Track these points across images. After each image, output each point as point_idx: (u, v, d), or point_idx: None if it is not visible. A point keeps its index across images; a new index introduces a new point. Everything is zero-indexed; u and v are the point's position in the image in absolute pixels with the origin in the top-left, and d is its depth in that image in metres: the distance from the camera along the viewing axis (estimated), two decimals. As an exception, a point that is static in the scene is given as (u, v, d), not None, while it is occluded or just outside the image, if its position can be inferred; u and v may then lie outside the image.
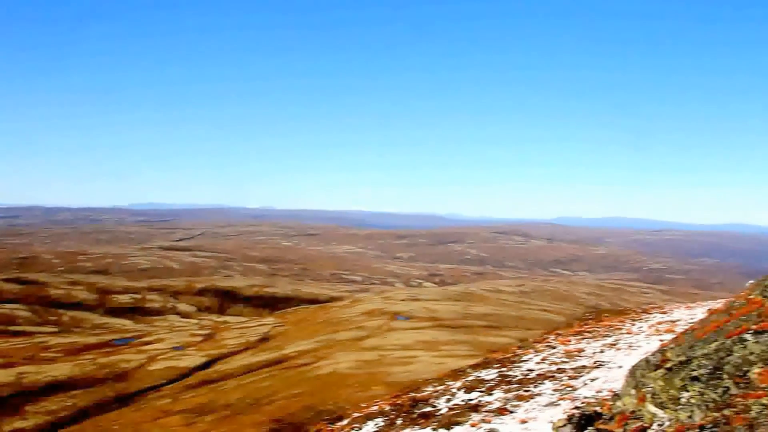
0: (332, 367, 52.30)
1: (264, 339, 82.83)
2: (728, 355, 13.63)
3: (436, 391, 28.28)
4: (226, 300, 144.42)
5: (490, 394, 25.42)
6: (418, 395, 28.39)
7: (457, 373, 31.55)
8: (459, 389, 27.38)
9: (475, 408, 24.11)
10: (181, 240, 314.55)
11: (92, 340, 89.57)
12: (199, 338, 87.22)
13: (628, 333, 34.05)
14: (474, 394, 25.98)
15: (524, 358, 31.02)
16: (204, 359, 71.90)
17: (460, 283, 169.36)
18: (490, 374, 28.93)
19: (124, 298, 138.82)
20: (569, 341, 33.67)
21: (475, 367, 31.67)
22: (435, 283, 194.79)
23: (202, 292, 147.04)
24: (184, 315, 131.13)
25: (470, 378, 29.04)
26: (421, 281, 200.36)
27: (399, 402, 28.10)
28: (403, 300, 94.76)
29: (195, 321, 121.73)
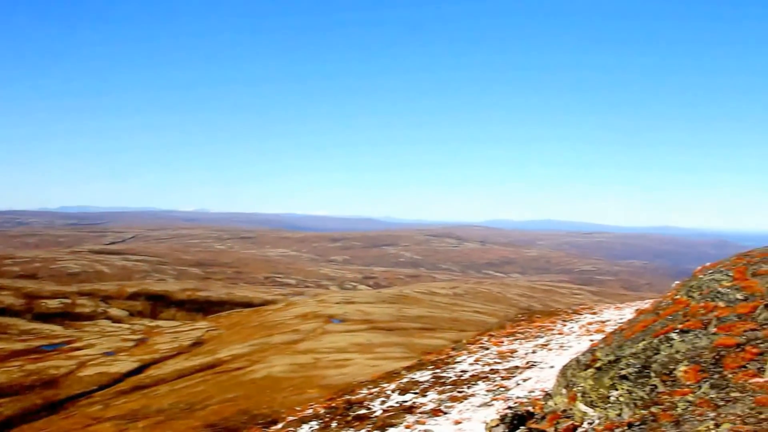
0: (267, 370, 51.97)
1: (197, 343, 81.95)
2: (655, 354, 13.97)
3: (371, 394, 28.31)
4: (159, 304, 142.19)
5: (425, 396, 25.56)
6: (353, 398, 28.39)
7: (391, 375, 31.64)
8: (393, 391, 27.46)
9: (410, 409, 24.20)
10: (112, 243, 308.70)
11: (19, 346, 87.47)
12: (131, 343, 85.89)
13: (560, 333, 34.55)
14: (408, 396, 26.08)
15: (458, 359, 31.24)
16: (136, 364, 70.77)
17: (395, 285, 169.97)
18: (424, 376, 29.08)
19: (53, 303, 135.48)
20: (502, 342, 34.03)
21: (410, 369, 31.78)
22: (369, 285, 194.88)
23: (134, 297, 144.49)
24: (116, 320, 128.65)
25: (405, 380, 29.15)
26: (355, 284, 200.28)
27: (334, 405, 28.06)
28: (337, 303, 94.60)
29: (127, 326, 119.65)
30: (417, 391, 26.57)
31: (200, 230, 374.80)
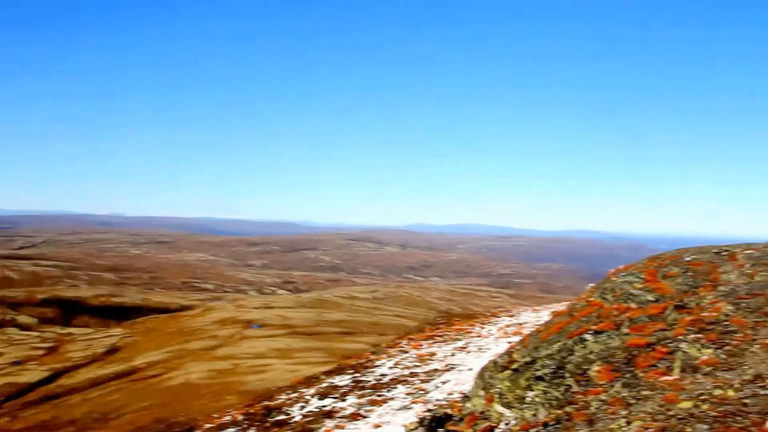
0: (184, 377, 51.06)
1: (112, 351, 79.87)
2: (570, 355, 14.28)
3: (290, 399, 28.16)
4: (71, 311, 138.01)
5: (344, 400, 25.54)
6: (272, 403, 28.17)
7: (311, 380, 31.53)
8: (313, 396, 27.36)
9: (329, 414, 24.16)
10: (21, 248, 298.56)
11: None
12: (42, 351, 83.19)
13: (478, 336, 34.95)
14: (328, 401, 26.02)
15: (378, 363, 31.32)
16: (47, 373, 68.55)
17: (314, 290, 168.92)
18: (343, 380, 29.06)
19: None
20: (421, 345, 34.24)
21: (329, 373, 31.74)
22: (289, 290, 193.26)
23: (44, 303, 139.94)
24: (25, 327, 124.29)
25: (324, 385, 29.07)
26: (274, 289, 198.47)
27: (252, 411, 27.80)
28: (256, 308, 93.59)
29: (36, 333, 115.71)
30: (337, 395, 26.54)
31: (115, 234, 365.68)
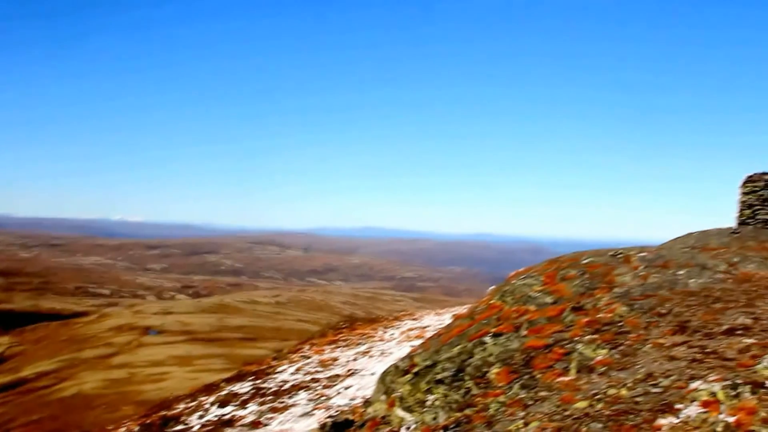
0: (77, 388, 49.63)
1: (-2, 361, 77.05)
2: (470, 358, 14.45)
3: (189, 408, 27.65)
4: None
5: (245, 408, 25.22)
6: (170, 413, 27.60)
7: (210, 388, 31.01)
8: (212, 404, 26.93)
9: (229, 423, 23.83)
10: None
11: None
12: None
13: (381, 340, 35.03)
14: (228, 409, 25.65)
15: (279, 369, 31.06)
16: None
17: (215, 294, 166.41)
18: (244, 387, 28.69)
19: None
20: (324, 351, 34.11)
21: (230, 380, 31.28)
22: (189, 295, 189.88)
23: None
24: None
25: (224, 392, 28.63)
26: (174, 294, 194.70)
27: (149, 421, 27.19)
28: (155, 313, 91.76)
29: None
30: (237, 403, 26.19)
31: (3, 236, 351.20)
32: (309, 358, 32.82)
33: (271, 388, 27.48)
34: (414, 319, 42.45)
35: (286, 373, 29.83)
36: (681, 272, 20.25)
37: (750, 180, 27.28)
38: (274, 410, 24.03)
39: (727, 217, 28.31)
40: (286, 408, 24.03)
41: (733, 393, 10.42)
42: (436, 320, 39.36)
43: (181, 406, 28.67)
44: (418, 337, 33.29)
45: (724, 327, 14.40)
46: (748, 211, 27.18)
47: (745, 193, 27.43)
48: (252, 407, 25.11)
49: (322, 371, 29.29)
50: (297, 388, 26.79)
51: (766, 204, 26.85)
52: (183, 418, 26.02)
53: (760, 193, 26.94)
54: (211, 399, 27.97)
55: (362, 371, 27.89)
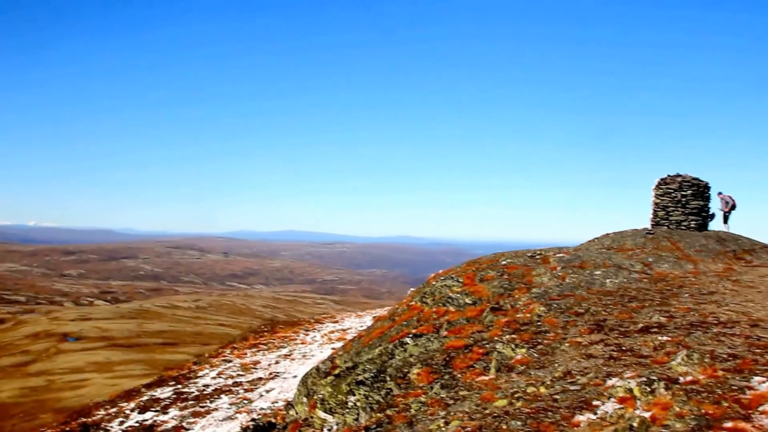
0: (-8, 397, 48.06)
1: None
2: (390, 359, 14.48)
3: (109, 414, 27.08)
4: None
5: (166, 413, 24.83)
6: (89, 420, 26.99)
7: (131, 394, 30.43)
8: (133, 410, 26.43)
9: (150, 428, 23.45)
10: None
11: None
12: None
13: (303, 343, 34.95)
14: (149, 414, 25.21)
15: (200, 373, 30.69)
16: None
17: (135, 300, 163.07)
18: (165, 392, 28.24)
19: None
20: (245, 354, 33.85)
21: (150, 386, 30.75)
22: (107, 301, 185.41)
23: None
24: None
25: (145, 398, 28.13)
26: (92, 299, 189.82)
27: (68, 429, 26.53)
28: (72, 320, 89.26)
29: None
30: (158, 408, 25.76)
31: None
32: (230, 361, 32.51)
33: (192, 393, 27.12)
34: (335, 322, 42.48)
35: (208, 378, 29.50)
36: (598, 272, 20.69)
37: (663, 182, 28.04)
38: (196, 415, 23.73)
39: (643, 218, 29.08)
40: (208, 412, 23.76)
41: (649, 389, 10.67)
42: (357, 322, 39.46)
43: (101, 412, 28.05)
44: (339, 339, 33.33)
45: (640, 325, 14.76)
46: (662, 213, 27.93)
47: (658, 195, 28.18)
48: (173, 412, 24.74)
49: (244, 375, 29.05)
50: (219, 392, 26.51)
51: (679, 205, 27.64)
52: (103, 425, 25.48)
53: (673, 195, 27.70)
54: (132, 405, 27.45)
55: (284, 374, 27.79)
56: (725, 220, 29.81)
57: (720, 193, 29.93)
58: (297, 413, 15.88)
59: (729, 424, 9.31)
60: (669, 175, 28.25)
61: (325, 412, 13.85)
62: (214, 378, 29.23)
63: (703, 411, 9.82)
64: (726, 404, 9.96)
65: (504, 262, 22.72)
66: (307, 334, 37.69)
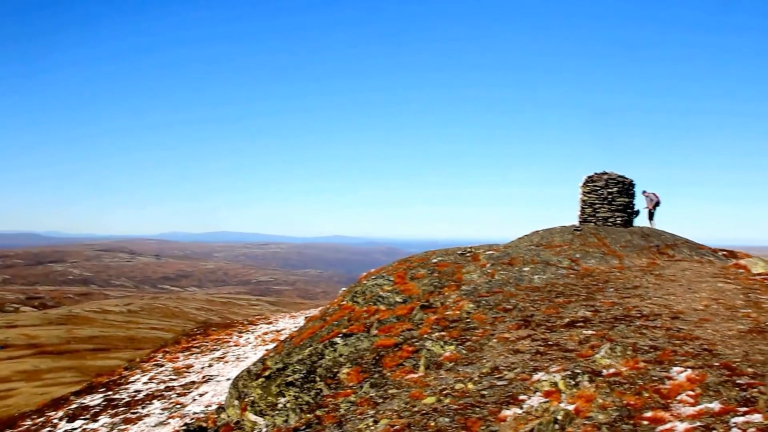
0: None
1: None
2: (320, 359, 14.50)
3: (36, 425, 26.48)
4: None
5: (96, 421, 24.38)
6: (15, 431, 26.38)
7: (59, 403, 29.79)
8: (61, 419, 25.89)
9: (79, 437, 23.05)
10: None
11: None
12: None
13: (236, 345, 34.70)
14: (78, 423, 24.73)
15: (132, 379, 30.22)
16: None
17: (63, 305, 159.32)
18: (95, 399, 27.73)
19: None
20: (178, 358, 33.46)
21: (79, 393, 30.15)
22: (34, 306, 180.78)
23: None
24: None
25: (73, 406, 27.56)
26: (18, 306, 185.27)
27: (-8, 441, 25.93)
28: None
29: None
30: (87, 416, 25.28)
31: None
32: (163, 366, 32.09)
33: (123, 399, 26.67)
34: (269, 323, 42.28)
35: (139, 383, 29.06)
36: (526, 269, 21.01)
37: (590, 180, 28.61)
38: (127, 422, 23.36)
39: (571, 215, 29.63)
40: (139, 418, 23.42)
41: (573, 382, 10.92)
42: (291, 323, 39.33)
43: (28, 422, 27.41)
44: (273, 340, 33.18)
45: (566, 320, 15.07)
46: (589, 209, 28.49)
47: (585, 193, 28.74)
48: (104, 420, 24.31)
49: (176, 379, 28.71)
50: (151, 397, 26.14)
51: (605, 202, 28.23)
52: (29, 436, 24.95)
53: (599, 192, 28.28)
54: (60, 414, 26.89)
55: (218, 377, 27.55)
56: (650, 216, 30.56)
57: (644, 191, 30.65)
58: (228, 416, 15.80)
59: (649, 414, 9.60)
60: (596, 173, 28.82)
61: (255, 414, 13.81)
62: (145, 383, 28.81)
63: (624, 402, 10.11)
64: (647, 395, 10.26)
65: (435, 260, 22.90)
66: (241, 336, 37.42)
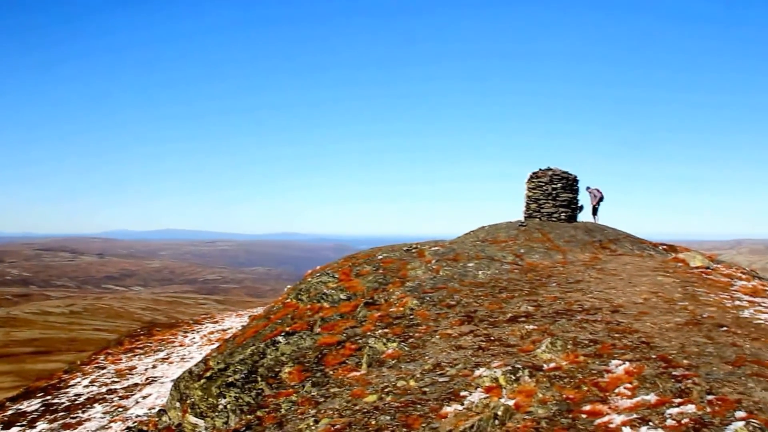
0: None
1: None
2: (262, 358, 14.35)
3: (-33, 434, 25.84)
4: None
5: (33, 427, 23.84)
6: (-55, 440, 25.69)
7: (-6, 409, 29.10)
8: (-3, 427, 25.29)
9: (16, 444, 22.55)
10: None
11: None
12: None
13: (181, 345, 34.31)
14: (14, 430, 24.14)
15: (72, 382, 29.64)
16: None
17: (1, 307, 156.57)
18: (32, 405, 27.10)
19: None
20: (120, 360, 32.94)
21: (16, 399, 29.42)
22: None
23: None
24: None
25: (9, 412, 26.88)
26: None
27: None
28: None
29: None
30: (24, 423, 24.68)
31: None
32: (105, 368, 31.54)
33: (63, 404, 26.13)
34: (215, 322, 41.89)
35: (80, 386, 28.51)
36: (471, 264, 21.09)
37: (535, 176, 28.87)
38: (66, 427, 22.91)
39: (517, 211, 29.87)
40: (80, 423, 22.98)
41: (514, 377, 10.95)
42: (237, 322, 39.01)
43: (-41, 432, 26.73)
44: (219, 339, 32.85)
45: (509, 315, 15.13)
46: (534, 205, 28.74)
47: (531, 188, 29.00)
48: (42, 425, 23.78)
49: (119, 381, 28.25)
50: (92, 401, 25.67)
51: (550, 198, 28.51)
52: (-40, 444, 24.29)
53: (544, 188, 28.55)
54: (-5, 421, 26.26)
55: (162, 378, 27.21)
56: (594, 212, 30.98)
57: (588, 187, 31.05)
58: (170, 419, 15.54)
59: (588, 407, 9.67)
60: (541, 169, 29.09)
61: (195, 416, 13.60)
62: (86, 386, 28.28)
63: (564, 396, 10.16)
64: (586, 388, 10.33)
65: (380, 257, 22.87)
66: (186, 336, 37.00)
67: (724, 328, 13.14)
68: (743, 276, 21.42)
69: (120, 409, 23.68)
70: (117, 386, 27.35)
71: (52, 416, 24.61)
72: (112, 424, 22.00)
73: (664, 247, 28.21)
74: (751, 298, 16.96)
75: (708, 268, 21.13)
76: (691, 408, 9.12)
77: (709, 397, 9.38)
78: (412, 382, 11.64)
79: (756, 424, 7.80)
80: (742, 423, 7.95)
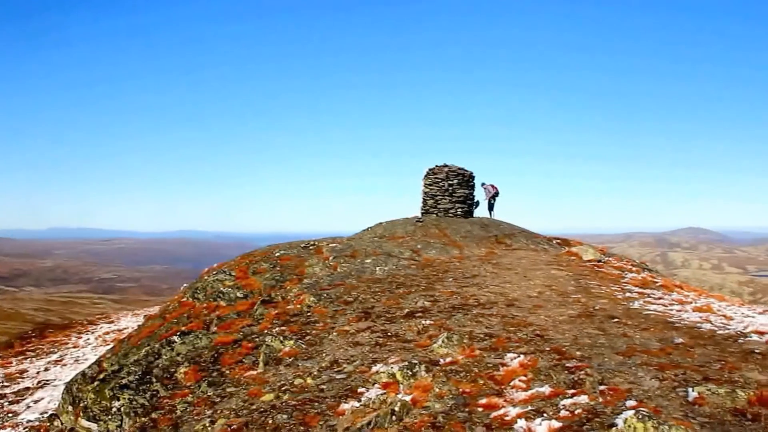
0: None
1: None
2: (157, 359, 14.10)
3: None
4: None
5: None
6: None
7: None
8: None
9: None
10: None
11: None
12: None
13: (75, 347, 33.41)
14: None
15: (-43, 389, 28.50)
16: None
17: None
18: None
19: None
20: (10, 363, 31.83)
21: None
22: None
23: None
24: None
25: None
26: None
27: None
28: None
29: None
30: None
31: None
32: (-11, 372, 30.44)
33: (-53, 411, 25.10)
34: (110, 322, 40.97)
35: (-34, 392, 27.44)
36: (368, 261, 21.20)
37: (431, 172, 29.19)
38: (-51, 437, 22.00)
39: (414, 207, 30.17)
40: (-35, 431, 22.10)
41: (410, 373, 11.05)
42: (133, 321, 38.26)
43: None
44: (114, 340, 32.14)
45: (406, 311, 15.27)
46: (431, 201, 29.06)
47: (427, 185, 29.30)
48: None
49: (9, 386, 27.29)
50: (-28, 408, 24.71)
51: (446, 194, 28.88)
52: None
53: (441, 184, 28.89)
54: None
55: (55, 381, 26.44)
56: (490, 207, 31.53)
57: (483, 183, 31.57)
58: (62, 423, 15.10)
59: (483, 401, 9.84)
60: (437, 165, 29.43)
61: (88, 420, 13.26)
62: (-33, 394, 27.23)
63: (461, 390, 10.32)
64: (482, 382, 10.52)
65: (278, 254, 22.76)
66: (80, 337, 36.04)
67: (616, 320, 13.61)
68: (633, 268, 22.23)
69: (10, 415, 22.88)
70: (7, 391, 26.42)
71: (-65, 426, 23.65)
72: (1, 431, 21.28)
73: (558, 241, 28.93)
74: (641, 290, 17.62)
75: (600, 261, 21.83)
76: (584, 399, 9.38)
77: (601, 387, 9.68)
78: (309, 380, 11.63)
79: (645, 412, 8.09)
80: (632, 412, 8.23)
